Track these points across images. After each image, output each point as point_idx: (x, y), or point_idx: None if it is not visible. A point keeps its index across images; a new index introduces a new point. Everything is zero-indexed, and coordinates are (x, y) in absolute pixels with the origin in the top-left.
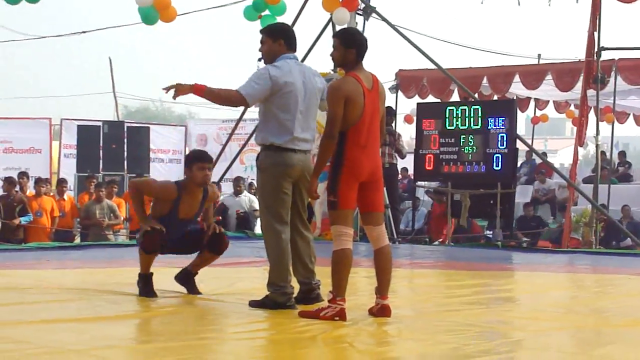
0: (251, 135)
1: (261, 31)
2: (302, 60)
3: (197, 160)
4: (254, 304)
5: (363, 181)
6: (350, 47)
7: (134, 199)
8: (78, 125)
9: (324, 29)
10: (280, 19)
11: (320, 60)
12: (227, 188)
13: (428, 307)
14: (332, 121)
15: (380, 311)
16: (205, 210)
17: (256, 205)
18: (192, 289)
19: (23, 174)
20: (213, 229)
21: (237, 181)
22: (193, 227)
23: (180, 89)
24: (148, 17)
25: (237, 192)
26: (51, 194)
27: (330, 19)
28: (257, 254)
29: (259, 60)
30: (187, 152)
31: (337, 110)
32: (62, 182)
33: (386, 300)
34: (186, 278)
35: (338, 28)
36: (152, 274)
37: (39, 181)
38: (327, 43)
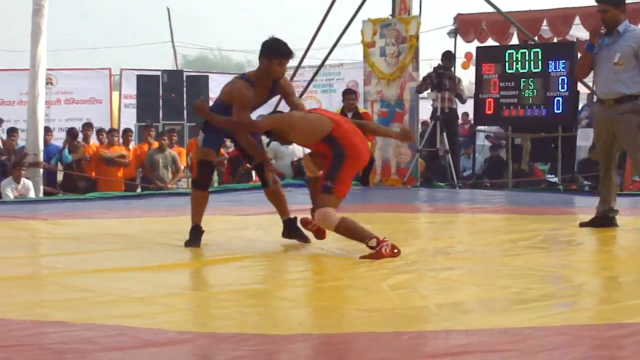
0: (310, 81)
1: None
2: (359, 8)
3: (281, 57)
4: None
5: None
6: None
7: (244, 138)
8: (137, 75)
9: None
10: None
11: (378, 5)
12: None
13: (490, 251)
14: None
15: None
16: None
17: None
18: (301, 237)
19: (88, 125)
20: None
21: None
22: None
23: None
24: None
25: None
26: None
27: None
28: None
29: None
30: (266, 40)
31: None
32: (127, 132)
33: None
34: (289, 228)
35: None
36: (203, 230)
37: (100, 131)
38: None
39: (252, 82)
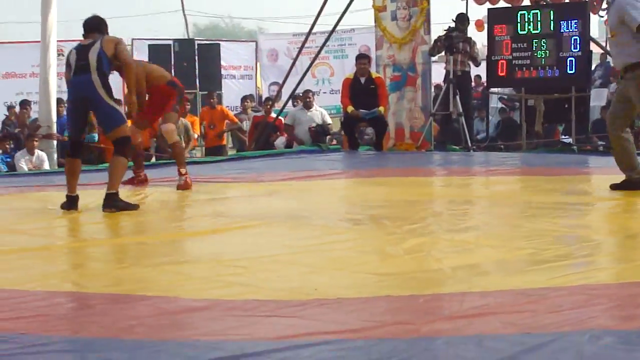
0: (322, 47)
1: None
2: None
3: None
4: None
5: None
6: None
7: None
8: (149, 45)
9: None
10: None
11: None
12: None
13: (504, 213)
14: None
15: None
16: None
17: (328, 119)
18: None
19: None
20: None
21: (306, 94)
22: None
23: None
24: None
25: (307, 106)
26: None
27: None
28: (331, 167)
29: None
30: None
31: None
32: None
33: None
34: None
35: None
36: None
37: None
38: None
39: None
